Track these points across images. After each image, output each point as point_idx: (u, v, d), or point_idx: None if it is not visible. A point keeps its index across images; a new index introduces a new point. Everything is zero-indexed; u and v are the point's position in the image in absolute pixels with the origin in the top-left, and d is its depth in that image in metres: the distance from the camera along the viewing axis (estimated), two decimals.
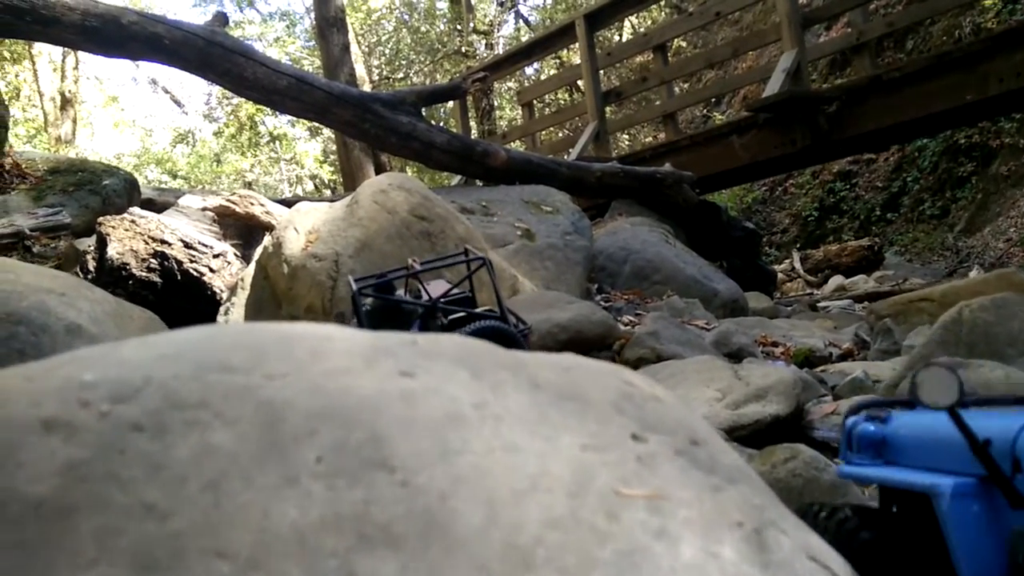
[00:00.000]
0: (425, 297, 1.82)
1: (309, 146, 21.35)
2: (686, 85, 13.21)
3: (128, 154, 26.59)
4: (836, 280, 10.32)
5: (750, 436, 1.76)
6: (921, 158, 10.86)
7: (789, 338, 3.94)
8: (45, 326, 1.22)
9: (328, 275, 2.54)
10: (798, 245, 12.51)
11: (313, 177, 23.62)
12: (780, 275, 10.15)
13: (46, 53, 18.36)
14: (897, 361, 3.21)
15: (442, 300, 1.80)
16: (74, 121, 19.20)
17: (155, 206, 6.47)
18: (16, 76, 20.87)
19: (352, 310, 1.83)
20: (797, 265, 11.66)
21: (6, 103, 5.29)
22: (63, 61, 18.29)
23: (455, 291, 1.88)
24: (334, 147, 18.87)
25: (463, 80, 5.03)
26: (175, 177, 25.60)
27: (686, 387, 2.02)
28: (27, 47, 18.35)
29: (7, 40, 17.92)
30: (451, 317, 1.77)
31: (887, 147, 9.95)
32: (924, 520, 0.71)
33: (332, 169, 21.25)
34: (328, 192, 23.45)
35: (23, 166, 5.39)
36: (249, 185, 25.12)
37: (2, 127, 5.18)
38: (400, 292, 1.92)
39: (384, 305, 1.82)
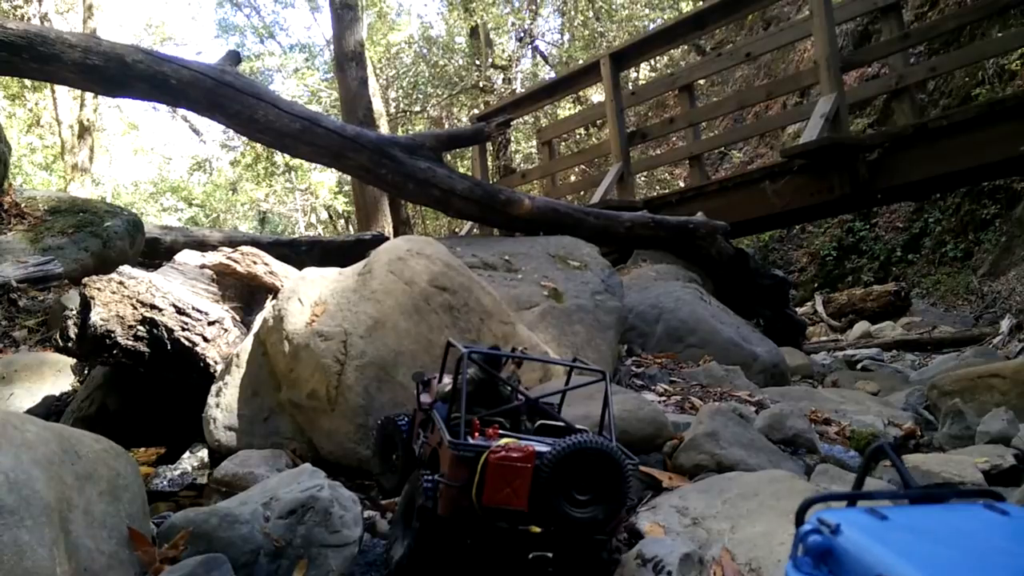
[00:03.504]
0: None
1: (324, 176, 21.27)
2: (706, 125, 12.97)
3: (145, 181, 26.69)
4: (861, 326, 9.92)
5: None
6: (942, 199, 10.52)
7: (842, 414, 3.56)
8: None
9: (335, 358, 2.20)
10: (816, 285, 12.16)
11: (327, 207, 23.51)
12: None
13: None
14: (976, 450, 2.83)
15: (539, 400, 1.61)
16: (92, 149, 19.16)
17: (161, 246, 6.21)
18: (36, 104, 20.99)
19: (453, 374, 1.62)
20: (820, 309, 11.26)
21: (7, 139, 5.05)
22: (83, 91, 18.28)
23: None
24: (349, 178, 18.75)
25: (486, 124, 4.73)
26: (191, 205, 25.60)
27: (765, 520, 1.65)
28: None
29: None
30: (543, 422, 1.55)
31: (929, 196, 9.60)
32: None
33: (347, 200, 21.15)
34: (342, 222, 23.32)
35: (23, 205, 5.14)
36: (264, 214, 25.08)
37: (2, 164, 4.94)
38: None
39: (480, 381, 1.62)
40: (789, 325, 6.62)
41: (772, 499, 1.77)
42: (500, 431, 1.44)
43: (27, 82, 19.28)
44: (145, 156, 27.73)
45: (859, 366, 6.66)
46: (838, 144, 5.87)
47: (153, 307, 2.67)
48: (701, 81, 15.25)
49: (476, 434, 1.40)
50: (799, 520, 0.84)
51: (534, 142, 20.17)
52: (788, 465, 2.23)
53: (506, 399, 1.64)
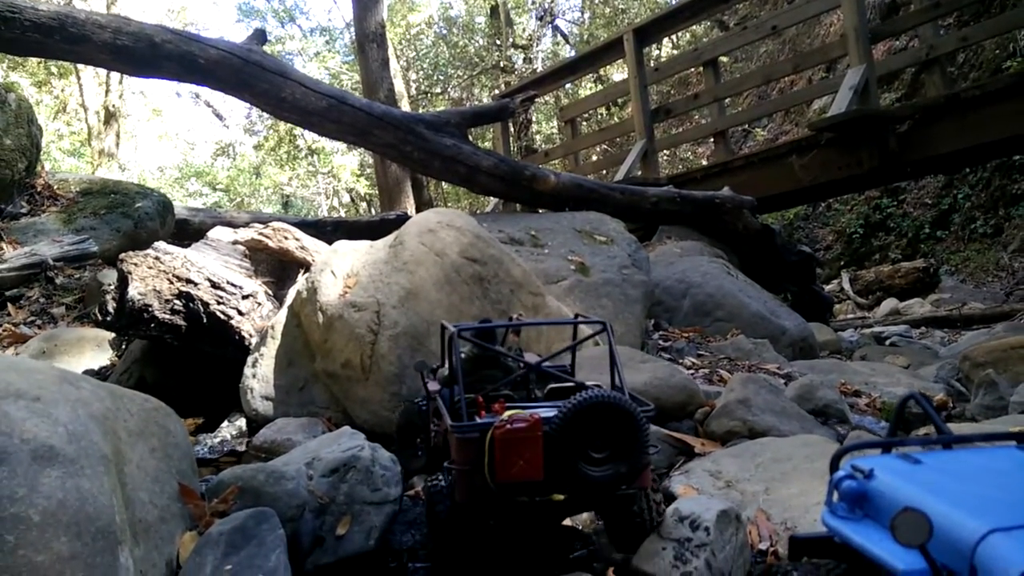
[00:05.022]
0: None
1: (346, 159, 21.33)
2: (730, 101, 12.82)
3: (170, 166, 26.96)
4: (889, 303, 9.79)
5: None
6: (972, 174, 10.31)
7: (872, 386, 3.54)
8: (2, 453, 0.92)
9: (368, 328, 2.23)
10: (842, 263, 12.02)
11: (350, 190, 23.60)
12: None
13: (91, 68, 18.59)
14: (1010, 419, 2.81)
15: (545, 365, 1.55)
16: (118, 135, 19.39)
17: (189, 227, 6.29)
18: (63, 91, 21.25)
19: (445, 355, 1.62)
20: (847, 286, 11.14)
21: (39, 123, 5.13)
22: (108, 76, 18.49)
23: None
24: (371, 160, 18.81)
25: (510, 100, 4.72)
26: (215, 189, 25.83)
27: (799, 482, 1.66)
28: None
29: None
30: (553, 385, 1.51)
31: (960, 169, 9.42)
32: None
33: (369, 183, 21.21)
34: (364, 205, 23.43)
35: (55, 187, 5.23)
36: (287, 198, 25.25)
37: (35, 148, 5.02)
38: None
39: (478, 357, 1.57)
40: (816, 301, 6.56)
41: (805, 462, 1.77)
42: (507, 404, 1.38)
43: (53, 69, 19.53)
44: (170, 142, 27.99)
45: (888, 342, 6.59)
46: (867, 116, 5.78)
47: (189, 281, 2.72)
48: (724, 58, 15.09)
49: (483, 412, 1.36)
50: (833, 467, 0.86)
51: (555, 122, 20.10)
52: (819, 432, 2.23)
53: (510, 372, 1.57)
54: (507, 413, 1.27)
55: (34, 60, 18.65)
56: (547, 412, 1.28)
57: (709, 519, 1.31)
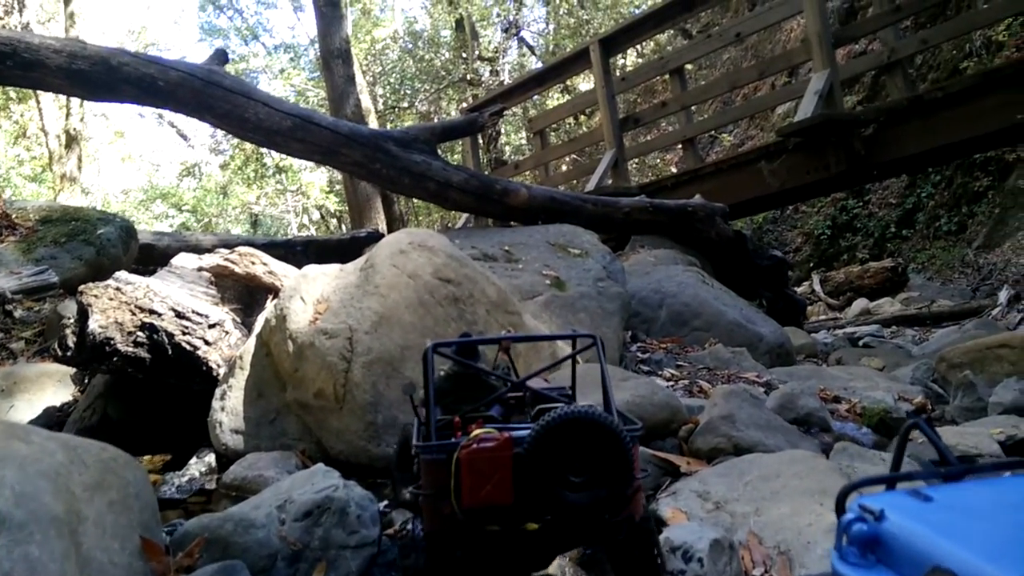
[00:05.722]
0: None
1: (314, 176, 21.15)
2: (696, 108, 12.95)
3: (135, 189, 26.51)
4: (860, 303, 9.89)
5: None
6: (934, 173, 10.52)
7: (852, 391, 3.54)
8: None
9: (341, 355, 2.15)
10: (811, 265, 12.17)
11: (319, 207, 23.40)
12: None
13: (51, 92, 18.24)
14: (990, 421, 2.81)
15: (538, 388, 1.42)
16: (80, 158, 19.00)
17: (155, 251, 6.14)
18: (22, 115, 20.80)
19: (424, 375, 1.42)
20: (817, 288, 11.25)
21: None
22: (68, 99, 18.15)
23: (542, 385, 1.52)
24: (340, 177, 18.66)
25: (479, 114, 4.68)
26: (181, 210, 25.45)
27: (790, 501, 1.62)
28: None
29: None
30: (542, 406, 1.37)
31: (924, 169, 9.58)
32: None
33: (338, 199, 21.05)
34: (334, 222, 23.23)
35: (13, 216, 5.07)
36: (255, 217, 24.96)
37: None
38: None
39: (462, 375, 1.44)
40: (790, 305, 6.60)
41: (795, 479, 1.74)
42: (486, 426, 1.25)
43: (12, 93, 19.12)
44: (133, 163, 27.53)
45: (860, 343, 6.64)
46: (833, 120, 5.83)
47: (152, 312, 2.62)
48: (689, 66, 15.25)
49: (458, 434, 1.23)
50: (840, 508, 0.80)
51: (524, 134, 20.15)
52: (805, 445, 2.20)
53: (491, 390, 1.43)
54: (475, 432, 1.16)
55: None
56: (521, 432, 1.17)
57: (702, 549, 1.26)
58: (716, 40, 7.85)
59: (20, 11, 16.70)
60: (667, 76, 8.21)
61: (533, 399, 1.41)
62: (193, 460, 2.35)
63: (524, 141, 19.92)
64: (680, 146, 12.45)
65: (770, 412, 2.26)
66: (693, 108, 8.47)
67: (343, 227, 21.34)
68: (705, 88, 8.78)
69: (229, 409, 2.36)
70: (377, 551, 1.41)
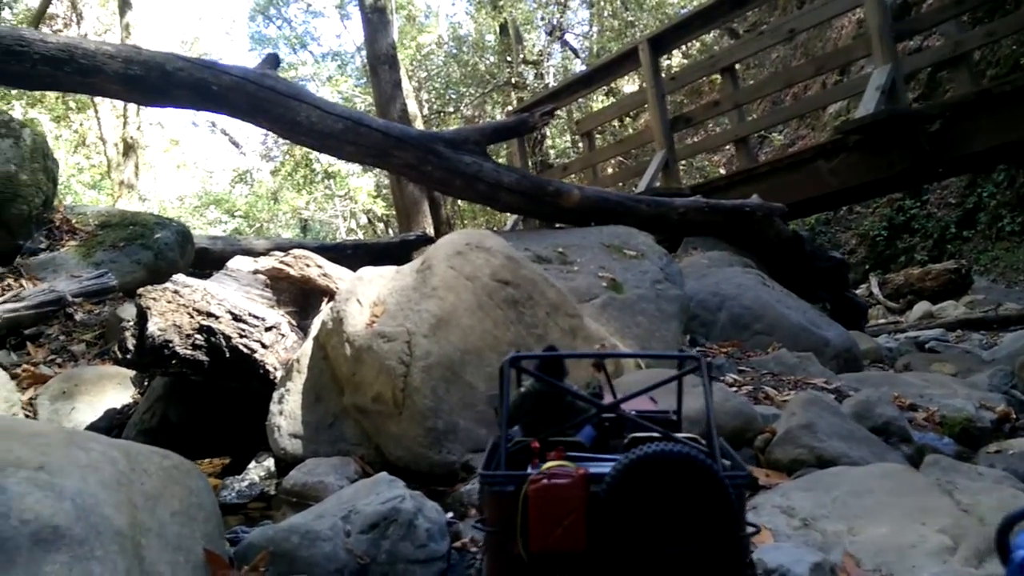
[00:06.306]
0: (610, 399, 1.23)
1: (362, 181, 21.40)
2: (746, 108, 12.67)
3: (190, 195, 27.18)
4: (922, 306, 9.53)
5: None
6: (996, 172, 10.07)
7: (928, 398, 3.34)
8: None
9: (399, 359, 2.09)
10: (867, 267, 11.79)
11: (367, 212, 23.65)
12: None
13: (108, 101, 18.80)
14: None
15: (635, 412, 1.22)
16: (137, 166, 19.53)
17: (210, 255, 6.21)
18: (81, 124, 21.50)
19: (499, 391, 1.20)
20: (876, 291, 10.89)
21: (55, 157, 5.08)
22: (125, 108, 18.70)
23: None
24: (387, 182, 18.82)
25: (530, 115, 4.60)
26: (233, 216, 25.98)
27: (887, 520, 1.50)
28: (91, 95, 18.85)
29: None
30: (635, 435, 1.16)
31: (994, 167, 9.19)
32: None
33: (385, 204, 21.26)
34: (381, 226, 23.45)
35: (73, 221, 5.17)
36: (305, 222, 25.35)
37: (51, 182, 4.97)
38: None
39: (547, 392, 1.22)
40: (850, 308, 6.37)
41: (890, 496, 1.61)
42: (568, 454, 1.07)
43: (71, 103, 19.78)
44: (188, 171, 28.25)
45: (926, 347, 6.38)
46: (897, 116, 5.60)
47: (209, 315, 2.61)
48: (736, 65, 14.96)
49: (535, 460, 1.06)
50: (1002, 543, 0.71)
51: (568, 137, 20.03)
52: (891, 457, 2.06)
53: (580, 412, 1.22)
54: (548, 464, 1.00)
55: (52, 95, 18.90)
56: (601, 468, 1.00)
57: (801, 574, 1.15)
58: (769, 37, 7.64)
59: (78, 23, 17.24)
60: (717, 76, 8.03)
61: (621, 426, 1.22)
62: (252, 464, 2.32)
63: (568, 144, 19.81)
64: (729, 147, 12.20)
65: (852, 422, 2.12)
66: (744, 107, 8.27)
67: (390, 231, 21.53)
68: (758, 86, 8.56)
69: (287, 413, 2.32)
70: (447, 566, 1.33)
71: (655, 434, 1.14)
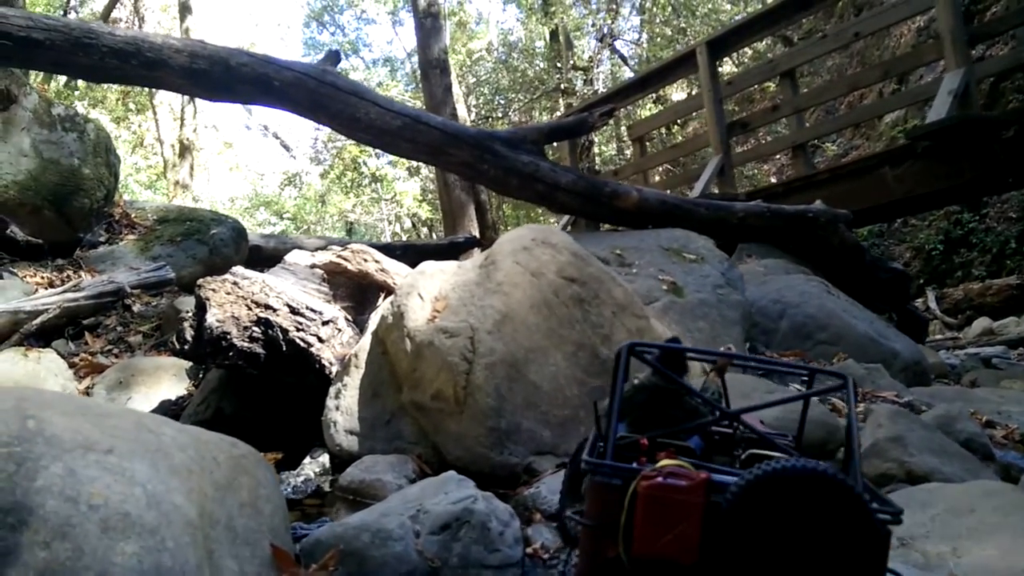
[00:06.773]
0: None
1: (408, 185, 21.57)
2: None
3: (241, 197, 27.74)
4: (982, 322, 9.17)
5: None
6: None
7: (1006, 415, 3.16)
8: (65, 525, 0.73)
9: (462, 356, 2.02)
10: (922, 281, 11.40)
11: (412, 215, 23.80)
12: None
13: (166, 103, 19.31)
14: None
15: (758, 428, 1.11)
16: (191, 167, 20.00)
17: (263, 253, 6.27)
18: (139, 126, 22.12)
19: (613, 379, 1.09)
20: (933, 305, 10.53)
21: (117, 153, 5.17)
22: (182, 110, 19.17)
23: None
24: (432, 186, 18.90)
25: (588, 114, 4.51)
26: (282, 218, 26.43)
27: (995, 541, 1.37)
28: (149, 97, 19.39)
29: (131, 91, 18.97)
30: (755, 451, 1.08)
31: None
32: None
33: (430, 208, 21.37)
34: (425, 230, 23.56)
35: (132, 216, 5.25)
36: (351, 225, 25.64)
37: (113, 177, 5.06)
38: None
39: (661, 389, 1.13)
40: (911, 322, 6.12)
41: (996, 516, 1.47)
42: (680, 458, 0.97)
43: (131, 105, 20.36)
44: (240, 173, 28.84)
45: (991, 364, 6.10)
46: (971, 122, 5.36)
47: (267, 307, 2.58)
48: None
49: (643, 459, 0.98)
50: None
51: (614, 145, 19.85)
52: (986, 474, 1.91)
53: (693, 415, 1.13)
54: (664, 462, 0.91)
55: (112, 96, 19.48)
56: (722, 477, 0.91)
57: None
58: (832, 40, 7.42)
59: (140, 27, 17.75)
60: (770, 84, 7.83)
61: (746, 440, 1.13)
62: (307, 460, 2.27)
63: (615, 152, 19.64)
64: (780, 156, 11.91)
65: (943, 436, 1.98)
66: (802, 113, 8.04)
67: (433, 235, 21.59)
68: (819, 91, 8.34)
69: (344, 409, 2.27)
70: (521, 573, 1.25)
71: (778, 454, 1.01)
